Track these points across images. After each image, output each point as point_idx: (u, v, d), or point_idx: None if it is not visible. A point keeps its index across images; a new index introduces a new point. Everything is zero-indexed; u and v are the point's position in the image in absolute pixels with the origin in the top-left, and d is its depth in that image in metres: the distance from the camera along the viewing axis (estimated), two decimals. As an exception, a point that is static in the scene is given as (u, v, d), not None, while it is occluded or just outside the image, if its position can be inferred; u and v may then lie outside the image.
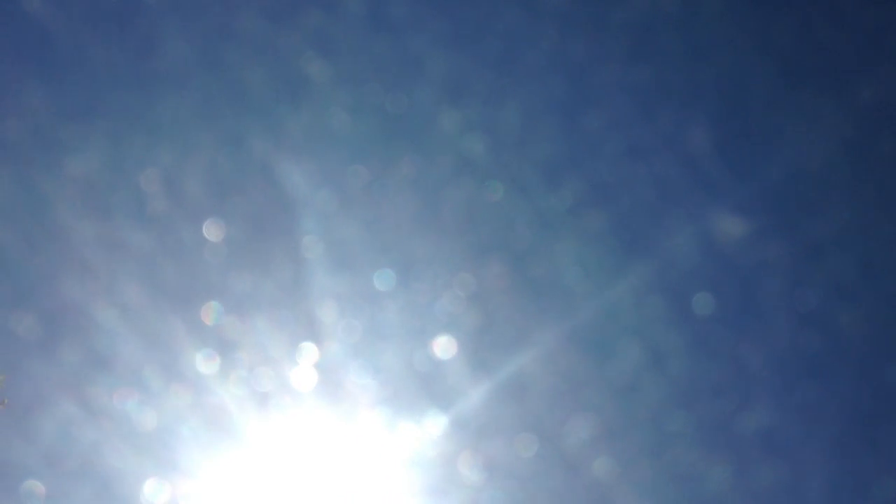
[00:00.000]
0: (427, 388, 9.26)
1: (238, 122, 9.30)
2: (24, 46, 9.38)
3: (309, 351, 9.04)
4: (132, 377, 9.09)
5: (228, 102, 9.29)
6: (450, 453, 9.08)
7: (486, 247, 9.64)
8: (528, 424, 9.20)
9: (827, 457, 9.24)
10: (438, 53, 9.37)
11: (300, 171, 9.26)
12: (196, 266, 9.30)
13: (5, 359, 9.12)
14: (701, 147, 9.52)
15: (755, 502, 9.17)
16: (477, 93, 9.57)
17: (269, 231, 9.44)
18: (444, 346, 9.07)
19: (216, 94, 9.36)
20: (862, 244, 9.47)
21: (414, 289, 9.45)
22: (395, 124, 9.39)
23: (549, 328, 9.35)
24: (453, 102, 9.48)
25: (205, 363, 8.89)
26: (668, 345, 9.47)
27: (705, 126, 9.57)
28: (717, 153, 9.52)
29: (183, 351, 9.05)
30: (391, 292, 9.39)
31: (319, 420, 9.01)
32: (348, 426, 8.92)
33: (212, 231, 9.11)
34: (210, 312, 8.96)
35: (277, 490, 8.90)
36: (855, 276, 9.47)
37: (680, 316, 9.46)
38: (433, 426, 9.06)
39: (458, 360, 9.15)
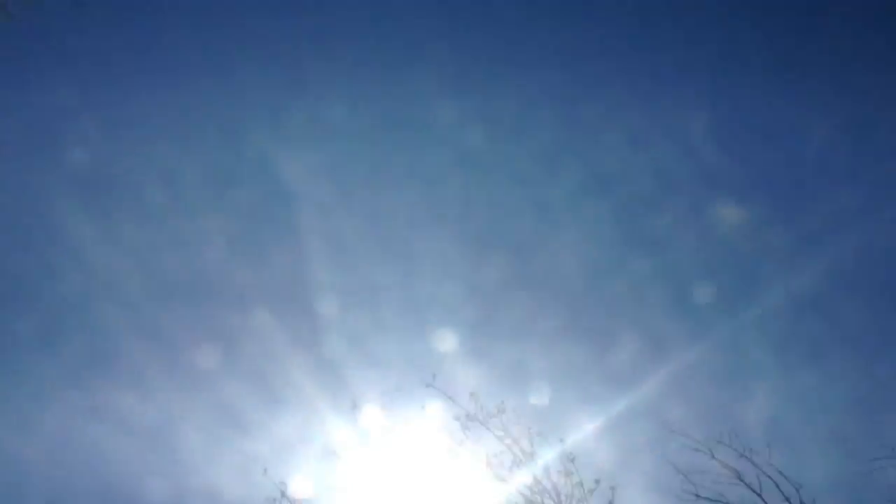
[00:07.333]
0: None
1: (238, 117, 9.27)
2: (22, 44, 9.32)
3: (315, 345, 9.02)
4: (135, 373, 9.06)
5: (229, 97, 9.26)
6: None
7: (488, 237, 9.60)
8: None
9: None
10: (437, 45, 9.34)
11: (300, 164, 9.24)
12: (198, 260, 9.27)
13: (8, 356, 9.07)
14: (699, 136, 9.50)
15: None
16: (475, 84, 9.54)
17: (271, 224, 9.41)
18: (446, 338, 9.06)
19: (216, 89, 9.32)
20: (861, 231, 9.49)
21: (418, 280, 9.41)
22: (394, 117, 9.37)
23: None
24: (452, 94, 9.45)
25: (208, 357, 8.89)
26: (668, 333, 9.48)
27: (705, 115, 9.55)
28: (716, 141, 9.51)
29: (185, 345, 9.03)
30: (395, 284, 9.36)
31: (327, 416, 9.01)
32: (356, 421, 8.93)
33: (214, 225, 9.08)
34: None
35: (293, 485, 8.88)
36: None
37: (682, 305, 9.47)
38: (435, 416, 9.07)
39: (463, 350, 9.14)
